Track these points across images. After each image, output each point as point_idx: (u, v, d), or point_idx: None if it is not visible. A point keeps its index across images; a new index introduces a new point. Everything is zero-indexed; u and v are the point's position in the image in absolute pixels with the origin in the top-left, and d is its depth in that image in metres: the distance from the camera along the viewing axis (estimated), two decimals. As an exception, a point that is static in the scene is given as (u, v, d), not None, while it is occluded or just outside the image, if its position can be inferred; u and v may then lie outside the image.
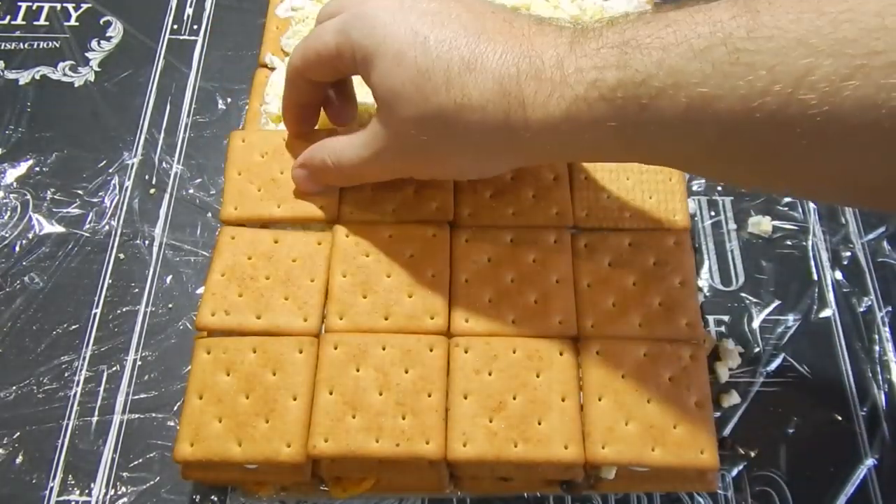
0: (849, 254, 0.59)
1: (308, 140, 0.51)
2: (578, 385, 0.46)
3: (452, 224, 0.51)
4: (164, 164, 0.62)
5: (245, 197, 0.52)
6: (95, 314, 0.56)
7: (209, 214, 0.60)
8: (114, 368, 0.54)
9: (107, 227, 0.60)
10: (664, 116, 0.35)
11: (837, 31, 0.30)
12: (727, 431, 0.52)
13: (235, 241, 0.51)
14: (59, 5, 0.71)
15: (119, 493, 0.50)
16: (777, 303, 0.56)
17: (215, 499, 0.49)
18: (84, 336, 0.55)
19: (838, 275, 0.58)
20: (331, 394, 0.45)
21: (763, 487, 0.50)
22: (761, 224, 0.59)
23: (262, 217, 0.52)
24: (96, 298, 0.56)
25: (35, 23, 0.70)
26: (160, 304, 0.56)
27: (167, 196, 0.61)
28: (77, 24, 0.70)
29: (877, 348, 0.55)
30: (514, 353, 0.46)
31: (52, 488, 0.50)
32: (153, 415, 0.52)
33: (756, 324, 0.56)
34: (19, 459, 0.51)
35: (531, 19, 0.40)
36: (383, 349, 0.46)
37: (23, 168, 0.62)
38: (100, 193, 0.61)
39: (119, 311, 0.56)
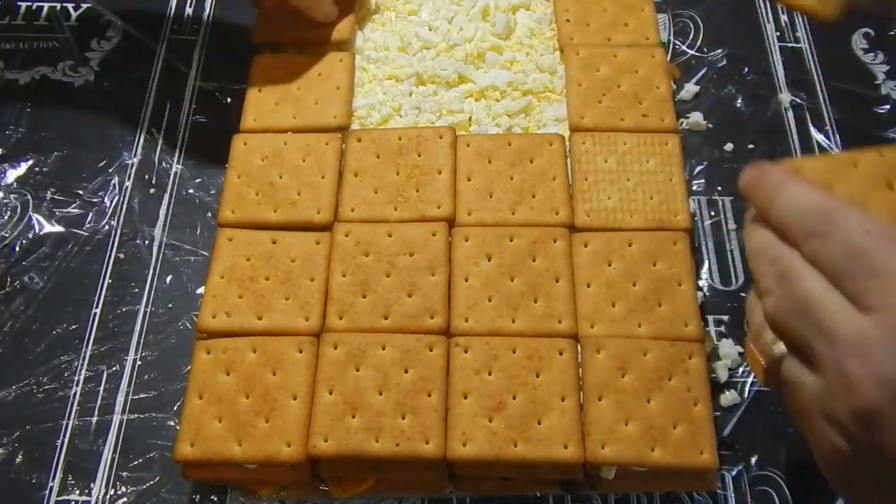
0: (849, 254, 0.59)
1: None
2: (578, 385, 0.46)
3: (452, 224, 0.51)
4: (163, 164, 0.62)
5: (242, 201, 0.52)
6: (95, 314, 0.56)
7: (209, 214, 0.60)
8: (114, 368, 0.54)
9: (107, 227, 0.59)
10: None
11: None
12: (727, 431, 0.52)
13: (233, 243, 0.51)
14: (59, 5, 0.71)
15: (119, 492, 0.49)
16: (777, 303, 0.56)
17: (215, 499, 0.49)
18: (84, 336, 0.55)
19: (838, 275, 0.58)
20: (331, 394, 0.45)
21: (763, 487, 0.50)
22: (761, 224, 0.59)
23: (258, 221, 0.52)
24: (96, 298, 0.56)
25: (35, 23, 0.70)
26: (160, 304, 0.56)
27: (167, 196, 0.61)
28: (77, 24, 0.70)
29: (877, 348, 0.55)
30: (514, 353, 0.46)
31: (52, 488, 0.50)
32: (153, 415, 0.52)
33: (756, 324, 0.55)
34: (19, 459, 0.51)
35: None
36: (383, 349, 0.46)
37: (23, 168, 0.62)
38: (100, 193, 0.61)
39: (119, 311, 0.56)
